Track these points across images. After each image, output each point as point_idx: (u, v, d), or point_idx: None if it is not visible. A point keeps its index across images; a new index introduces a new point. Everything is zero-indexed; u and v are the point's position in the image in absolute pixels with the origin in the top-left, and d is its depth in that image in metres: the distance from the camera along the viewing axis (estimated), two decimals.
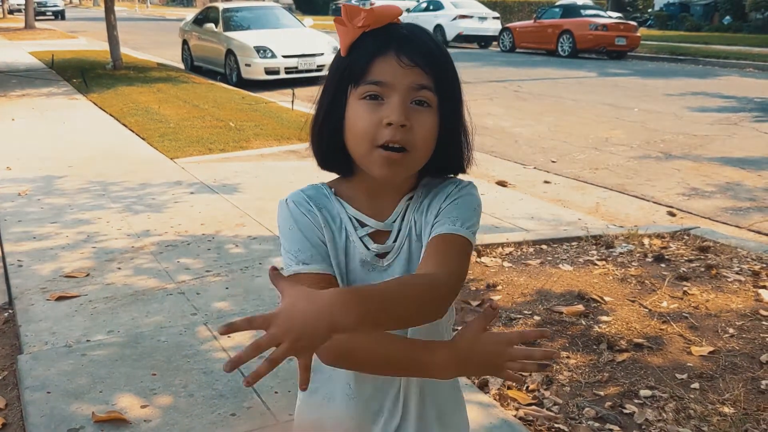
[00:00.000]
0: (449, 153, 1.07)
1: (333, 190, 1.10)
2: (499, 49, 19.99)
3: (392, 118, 0.97)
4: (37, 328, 3.02)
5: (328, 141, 1.05)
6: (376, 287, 0.93)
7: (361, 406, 1.11)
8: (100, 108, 9.11)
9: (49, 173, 5.69)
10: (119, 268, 3.70)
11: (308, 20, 14.29)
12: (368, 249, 1.08)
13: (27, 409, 2.41)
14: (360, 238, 1.08)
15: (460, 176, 1.12)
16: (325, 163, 1.08)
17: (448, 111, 1.03)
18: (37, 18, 30.48)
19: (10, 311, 3.28)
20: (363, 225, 1.08)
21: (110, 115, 8.60)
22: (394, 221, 1.09)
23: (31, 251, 3.95)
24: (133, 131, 7.59)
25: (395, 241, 1.08)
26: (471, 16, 20.26)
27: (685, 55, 16.91)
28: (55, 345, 2.87)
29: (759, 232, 4.59)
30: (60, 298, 3.31)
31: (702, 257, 3.80)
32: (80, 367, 2.68)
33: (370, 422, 1.12)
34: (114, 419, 2.33)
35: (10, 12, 40.76)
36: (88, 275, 3.61)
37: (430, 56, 1.01)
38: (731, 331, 2.96)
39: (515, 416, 2.38)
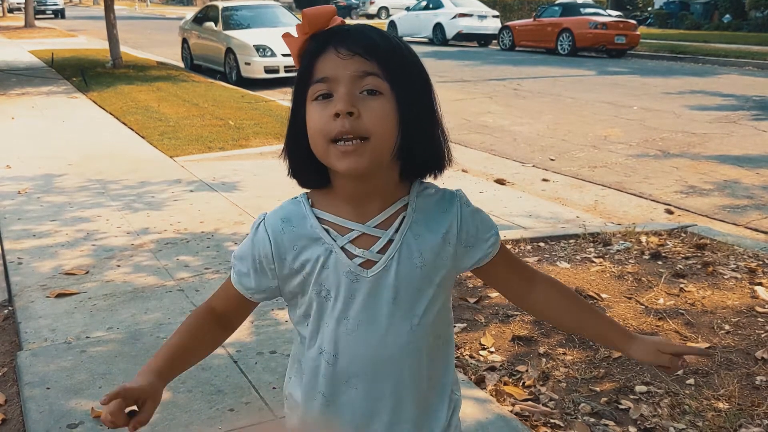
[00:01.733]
0: (421, 148, 1.05)
1: (311, 201, 1.11)
2: (498, 47, 19.98)
3: (338, 107, 0.98)
4: (37, 325, 3.04)
5: (296, 150, 1.07)
6: None
7: (334, 410, 1.14)
8: (100, 107, 9.13)
9: (48, 171, 5.71)
10: (119, 266, 3.72)
11: None
12: (352, 258, 1.06)
13: (26, 405, 2.43)
14: (342, 247, 1.06)
15: (447, 178, 1.14)
16: (294, 173, 1.10)
17: (406, 98, 1.01)
18: (37, 16, 30.51)
19: (10, 308, 3.30)
20: (344, 232, 1.07)
21: (110, 113, 8.62)
22: (380, 227, 1.07)
23: (31, 249, 3.97)
24: (132, 130, 7.60)
25: (381, 251, 1.06)
26: (470, 15, 20.27)
27: (685, 53, 16.92)
28: (55, 341, 2.88)
29: (756, 230, 4.60)
30: (59, 295, 3.33)
31: (699, 255, 3.82)
32: (79, 364, 2.70)
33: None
34: None
35: (10, 11, 40.77)
36: (87, 273, 3.63)
37: (372, 45, 1.00)
38: (727, 327, 2.98)
39: (511, 411, 2.39)
